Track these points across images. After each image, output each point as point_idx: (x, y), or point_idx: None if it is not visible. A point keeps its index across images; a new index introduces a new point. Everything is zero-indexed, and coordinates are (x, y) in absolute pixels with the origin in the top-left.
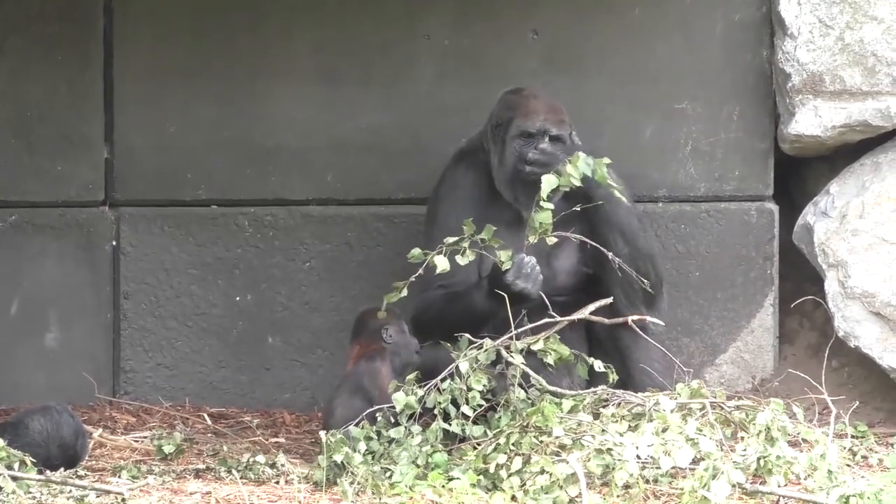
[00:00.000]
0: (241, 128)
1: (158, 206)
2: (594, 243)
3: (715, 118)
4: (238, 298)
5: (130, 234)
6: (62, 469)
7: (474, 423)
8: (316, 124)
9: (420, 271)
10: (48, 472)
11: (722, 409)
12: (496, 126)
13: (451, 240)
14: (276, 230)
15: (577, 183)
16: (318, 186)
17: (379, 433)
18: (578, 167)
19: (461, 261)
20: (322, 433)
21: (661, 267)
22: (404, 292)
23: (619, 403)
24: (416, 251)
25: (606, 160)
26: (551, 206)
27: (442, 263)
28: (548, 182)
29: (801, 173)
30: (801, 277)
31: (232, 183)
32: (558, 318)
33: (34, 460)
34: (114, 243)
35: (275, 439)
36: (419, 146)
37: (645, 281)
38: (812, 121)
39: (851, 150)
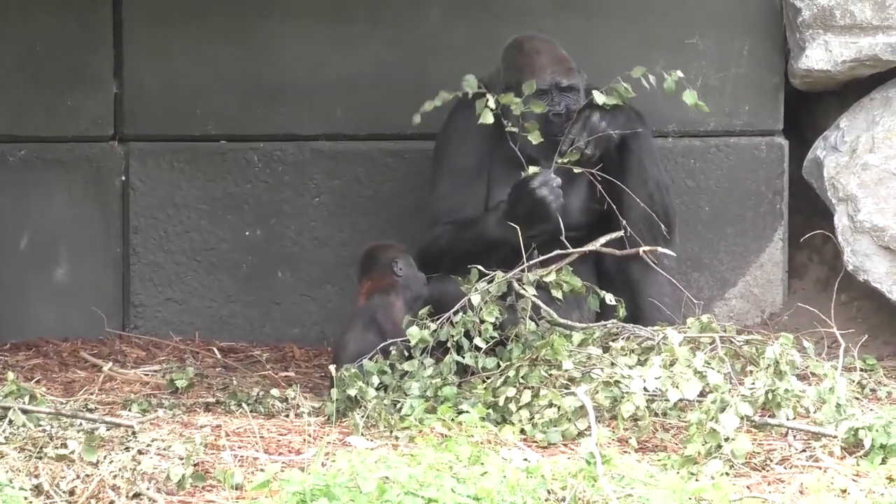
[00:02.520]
0: (251, 65)
1: (168, 142)
2: (616, 181)
3: (725, 53)
4: (247, 233)
5: (140, 170)
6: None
7: (486, 355)
8: (325, 61)
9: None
10: (58, 405)
11: (731, 343)
12: (507, 88)
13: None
14: (286, 165)
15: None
16: (328, 122)
17: (392, 366)
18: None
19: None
20: (332, 367)
21: (673, 201)
22: (447, 98)
23: (629, 337)
24: (471, 79)
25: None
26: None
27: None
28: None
29: (811, 108)
30: (810, 212)
31: (241, 119)
32: (571, 250)
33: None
34: (123, 178)
35: (284, 373)
36: (428, 83)
37: (662, 214)
38: (822, 56)
39: (861, 85)
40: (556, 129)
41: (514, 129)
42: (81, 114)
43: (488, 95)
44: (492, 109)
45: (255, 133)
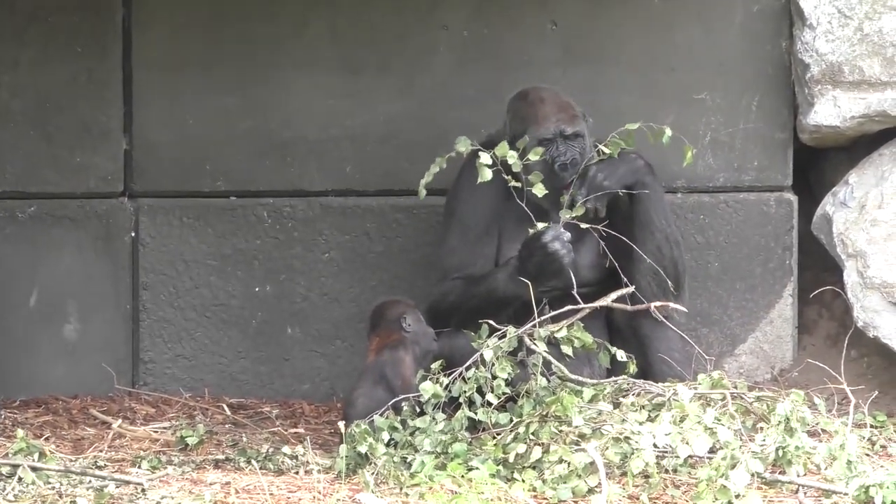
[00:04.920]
0: (259, 118)
1: (177, 198)
2: (623, 236)
3: (734, 108)
4: (257, 289)
5: (149, 225)
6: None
7: (498, 411)
8: (334, 115)
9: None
10: (67, 462)
11: (742, 399)
12: (513, 138)
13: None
14: (295, 221)
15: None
16: (337, 177)
17: (404, 422)
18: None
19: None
20: (342, 424)
21: (683, 255)
22: (443, 165)
23: (639, 393)
24: (463, 140)
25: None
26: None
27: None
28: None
29: (819, 164)
30: (819, 268)
31: (250, 174)
32: (582, 305)
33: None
34: (133, 234)
35: (294, 430)
36: (438, 137)
37: (671, 269)
38: (831, 111)
39: (870, 141)
40: (564, 181)
41: (518, 185)
42: (91, 169)
43: (481, 153)
44: (489, 166)
45: (264, 189)
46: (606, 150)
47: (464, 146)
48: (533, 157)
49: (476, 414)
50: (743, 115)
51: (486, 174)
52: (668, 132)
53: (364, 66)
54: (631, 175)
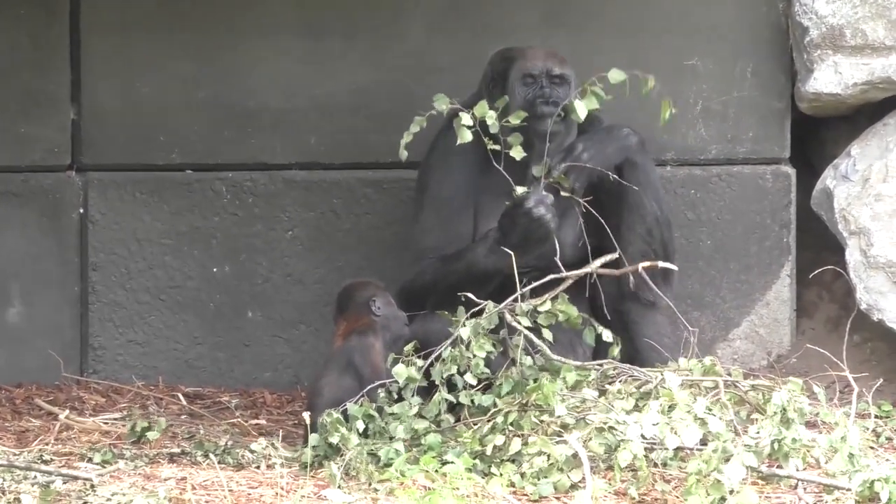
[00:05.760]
0: (218, 86)
1: (129, 171)
2: (610, 218)
3: (727, 76)
4: (215, 270)
5: (99, 201)
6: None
7: (481, 392)
8: (298, 82)
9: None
10: (10, 456)
11: (735, 387)
12: (493, 80)
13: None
14: (256, 196)
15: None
16: (302, 149)
17: (380, 410)
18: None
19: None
20: (306, 414)
21: (673, 237)
22: (423, 124)
23: (626, 380)
24: (442, 97)
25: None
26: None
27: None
28: (582, 105)
29: (819, 134)
30: (819, 246)
31: (208, 146)
32: (564, 273)
33: None
34: (81, 211)
35: (255, 421)
36: (410, 107)
37: (661, 251)
38: (831, 78)
39: (874, 110)
40: (545, 124)
41: (497, 147)
42: (36, 141)
43: (462, 113)
44: (469, 127)
45: (223, 161)
46: (581, 106)
47: (443, 103)
48: (514, 119)
49: (457, 398)
50: (737, 83)
51: (466, 135)
52: (651, 83)
53: (331, 30)
54: (620, 153)
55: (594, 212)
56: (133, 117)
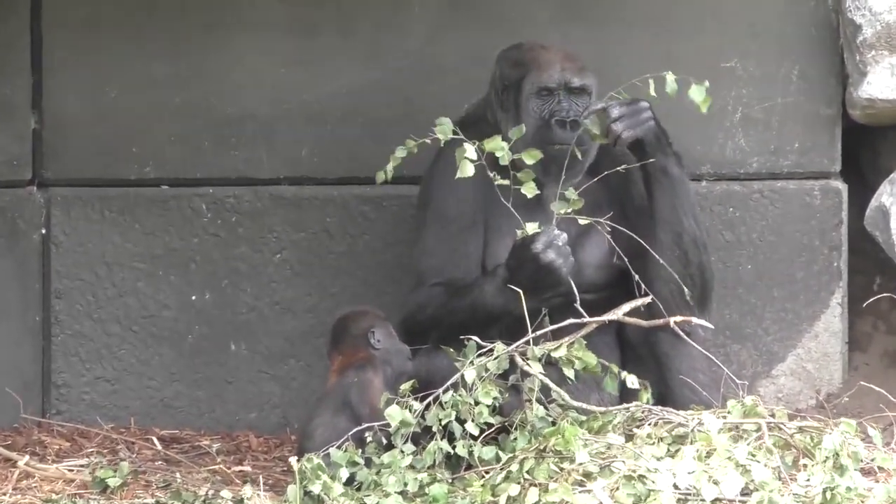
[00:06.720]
0: (196, 91)
1: (97, 187)
2: (639, 237)
3: (770, 79)
4: (194, 298)
5: (63, 220)
6: None
7: (484, 444)
8: (286, 86)
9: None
10: None
11: (781, 430)
12: (503, 90)
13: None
14: (240, 215)
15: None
16: (291, 162)
17: (369, 460)
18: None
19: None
20: (294, 460)
21: (710, 260)
22: (414, 150)
23: (657, 422)
24: (445, 124)
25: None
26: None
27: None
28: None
29: (874, 145)
30: (874, 271)
31: (186, 158)
32: (586, 319)
33: None
34: (43, 231)
35: (238, 468)
36: (411, 113)
37: (699, 277)
38: (888, 82)
39: None
40: (559, 141)
41: (506, 182)
42: None
43: (466, 145)
44: (473, 161)
45: (202, 176)
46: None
47: (444, 133)
48: (528, 159)
49: (454, 448)
50: (781, 87)
51: (468, 169)
52: (671, 78)
53: (323, 27)
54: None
55: (625, 230)
56: (101, 126)
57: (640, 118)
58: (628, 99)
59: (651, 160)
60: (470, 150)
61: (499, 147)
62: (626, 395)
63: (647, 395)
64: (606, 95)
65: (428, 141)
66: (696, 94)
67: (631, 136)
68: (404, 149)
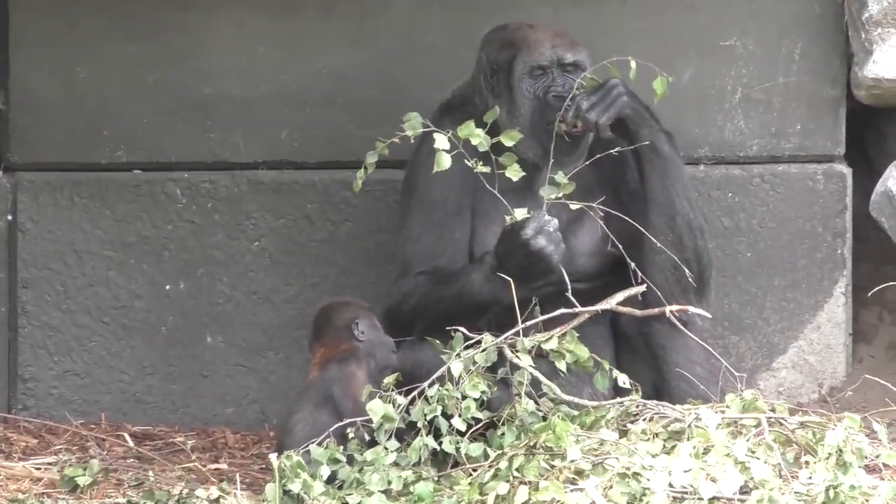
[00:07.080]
0: (171, 71)
1: (66, 171)
2: (633, 220)
3: (771, 58)
4: (168, 287)
5: (30, 207)
6: None
7: (471, 440)
8: (265, 67)
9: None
10: None
11: (781, 425)
12: (493, 73)
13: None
14: (217, 201)
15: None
16: (269, 145)
17: (351, 457)
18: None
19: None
20: (274, 457)
21: (708, 246)
22: (385, 152)
23: (652, 418)
24: (414, 118)
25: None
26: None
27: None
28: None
29: (880, 127)
30: (879, 259)
31: (159, 141)
32: (578, 309)
33: None
34: (9, 218)
35: (214, 465)
36: (395, 95)
37: (695, 263)
38: (895, 61)
39: None
40: (554, 117)
41: (487, 169)
42: None
43: (437, 135)
44: (448, 151)
45: (177, 160)
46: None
47: (412, 128)
48: (507, 140)
49: (440, 444)
50: (782, 67)
51: (444, 162)
52: (633, 65)
53: (302, 5)
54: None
55: (618, 213)
56: (71, 107)
57: (611, 97)
58: (596, 84)
59: (641, 140)
60: (443, 140)
61: (473, 133)
62: (620, 389)
63: (638, 395)
64: (575, 84)
65: (397, 140)
66: (658, 85)
67: (607, 118)
68: (375, 153)
